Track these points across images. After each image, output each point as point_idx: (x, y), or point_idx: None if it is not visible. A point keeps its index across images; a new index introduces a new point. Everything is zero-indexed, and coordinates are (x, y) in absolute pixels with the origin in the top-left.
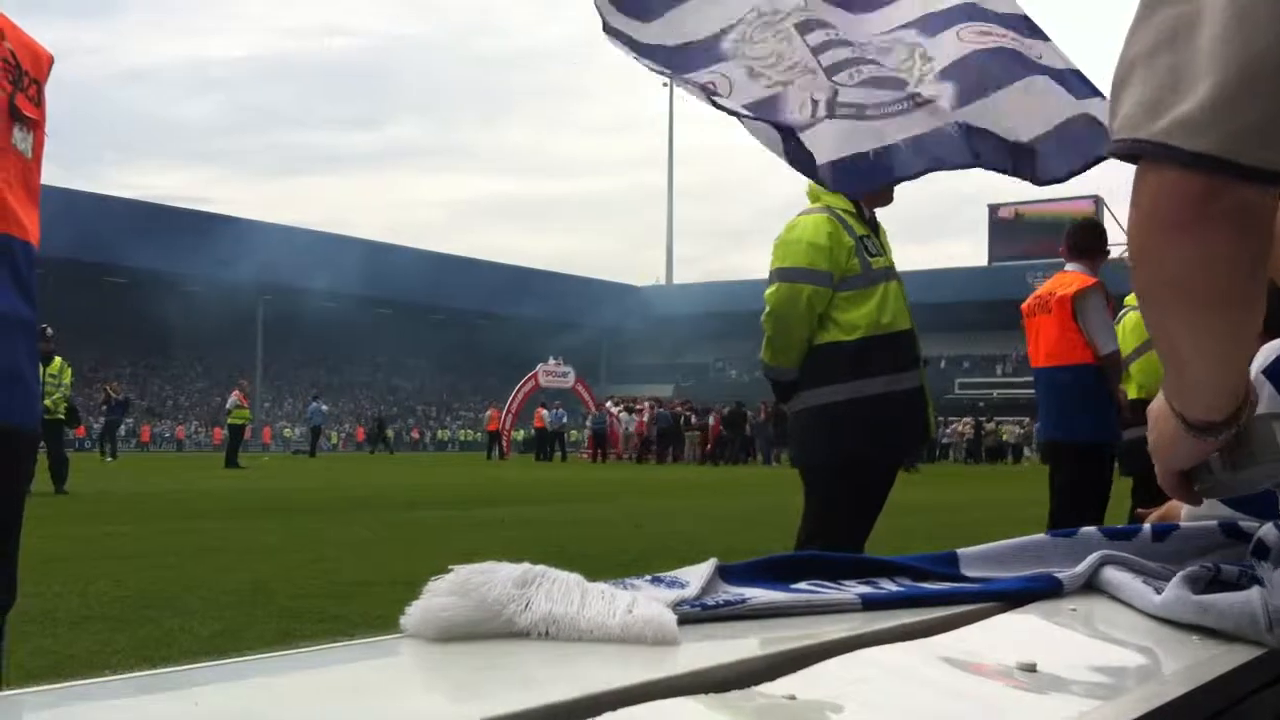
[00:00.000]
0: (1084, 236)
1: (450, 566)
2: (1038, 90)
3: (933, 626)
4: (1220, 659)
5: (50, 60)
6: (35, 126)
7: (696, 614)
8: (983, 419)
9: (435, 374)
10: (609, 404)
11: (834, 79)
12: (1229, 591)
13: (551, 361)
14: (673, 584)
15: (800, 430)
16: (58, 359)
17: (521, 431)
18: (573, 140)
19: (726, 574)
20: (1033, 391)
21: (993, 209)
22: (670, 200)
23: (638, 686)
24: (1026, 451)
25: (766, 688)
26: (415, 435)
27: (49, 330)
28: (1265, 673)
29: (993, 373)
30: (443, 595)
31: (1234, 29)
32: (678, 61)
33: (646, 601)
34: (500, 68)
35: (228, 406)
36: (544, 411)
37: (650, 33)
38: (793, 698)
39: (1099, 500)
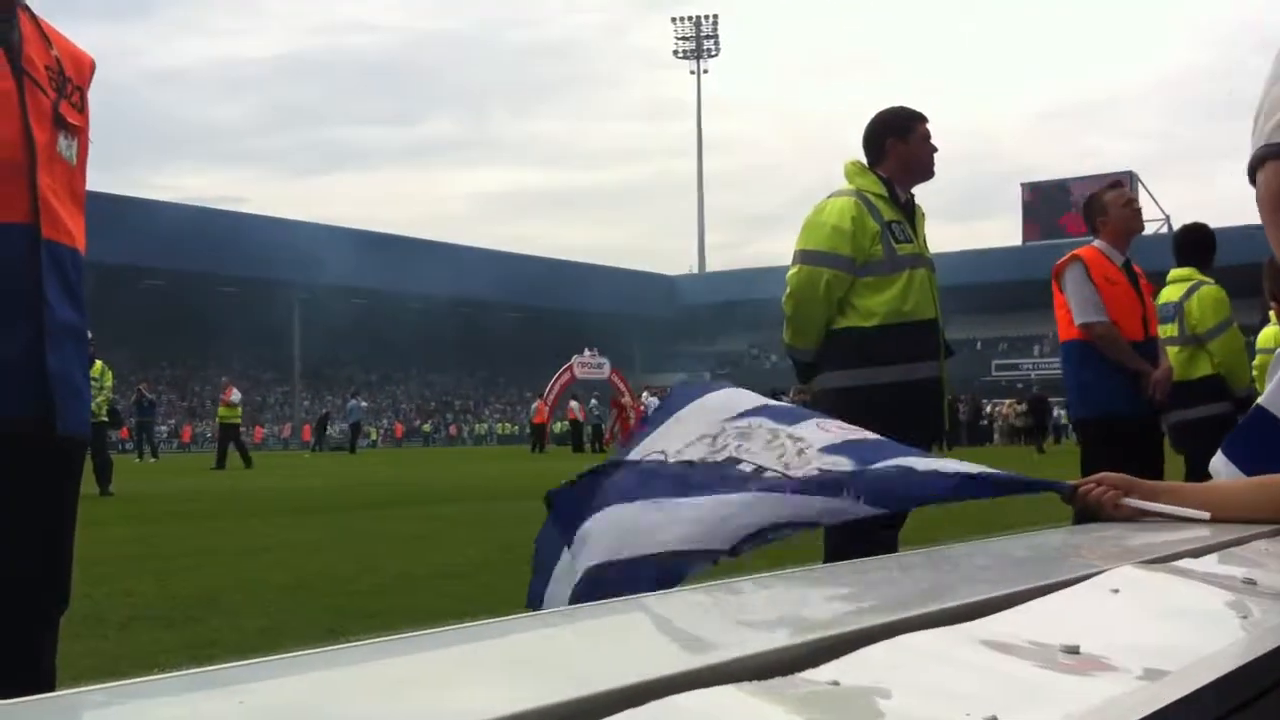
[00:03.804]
0: (1085, 214)
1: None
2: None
3: (974, 610)
4: (1274, 633)
5: (92, 65)
6: (79, 133)
7: None
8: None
9: (471, 368)
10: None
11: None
12: None
13: (587, 353)
14: None
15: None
16: (99, 362)
17: (559, 423)
18: (603, 129)
19: None
20: None
21: (1025, 188)
22: (700, 188)
23: (680, 675)
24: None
25: (809, 674)
26: (453, 431)
27: (90, 334)
28: None
29: (1030, 353)
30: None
31: None
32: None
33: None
34: (530, 59)
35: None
36: (575, 403)
37: None
38: (836, 683)
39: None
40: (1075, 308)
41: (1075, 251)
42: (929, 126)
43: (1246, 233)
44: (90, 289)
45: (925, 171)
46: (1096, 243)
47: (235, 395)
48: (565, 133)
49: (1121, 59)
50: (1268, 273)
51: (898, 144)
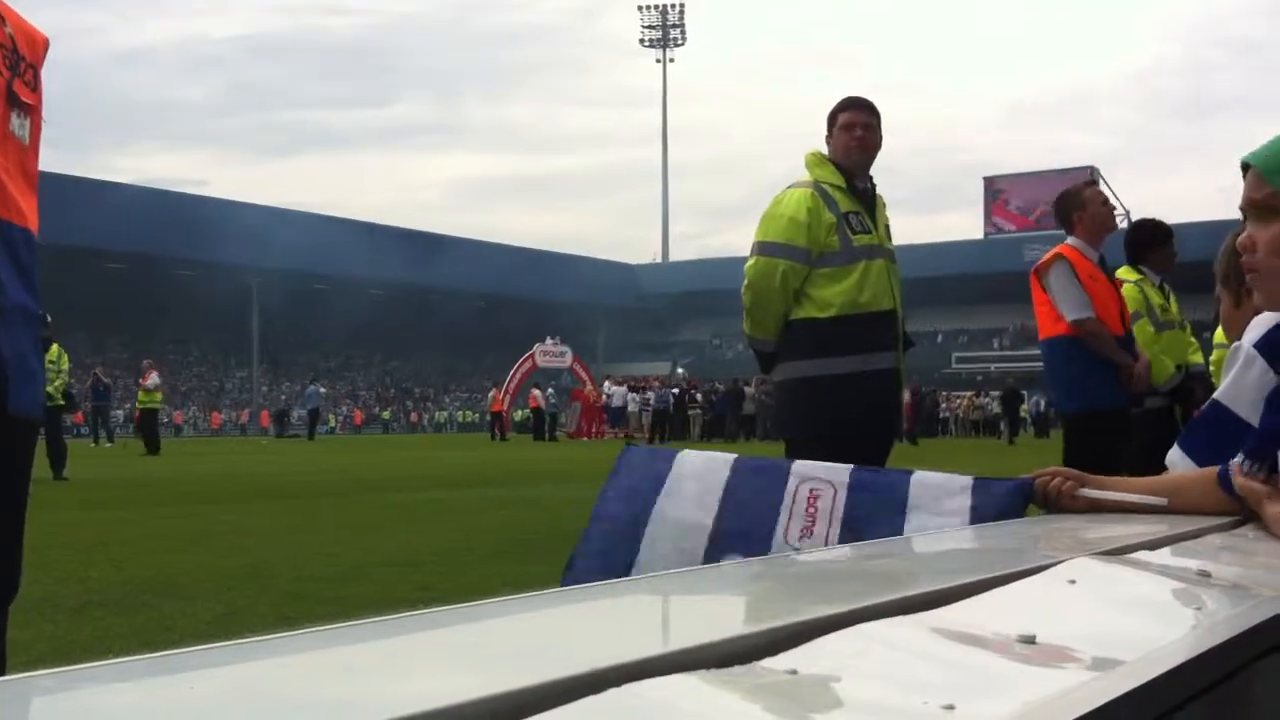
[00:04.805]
0: (1058, 209)
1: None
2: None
3: (932, 600)
4: (1227, 624)
5: (46, 43)
6: (32, 112)
7: None
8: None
9: (432, 356)
10: (607, 382)
11: None
12: None
13: (549, 341)
14: None
15: (777, 403)
16: (55, 345)
17: (520, 412)
18: (571, 116)
19: None
20: (1030, 365)
21: (988, 181)
22: (665, 177)
23: (639, 662)
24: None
25: (768, 662)
26: (414, 418)
27: (48, 318)
28: (1276, 635)
29: (990, 346)
30: None
31: None
32: None
33: None
34: (500, 44)
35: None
36: (536, 391)
37: None
38: (794, 672)
39: (1099, 469)
40: (1064, 305)
41: (1057, 249)
42: (860, 112)
43: (1192, 230)
44: (46, 271)
45: (850, 159)
46: (1071, 240)
47: (153, 380)
48: (534, 118)
49: (1089, 56)
50: (1223, 256)
51: (828, 137)
